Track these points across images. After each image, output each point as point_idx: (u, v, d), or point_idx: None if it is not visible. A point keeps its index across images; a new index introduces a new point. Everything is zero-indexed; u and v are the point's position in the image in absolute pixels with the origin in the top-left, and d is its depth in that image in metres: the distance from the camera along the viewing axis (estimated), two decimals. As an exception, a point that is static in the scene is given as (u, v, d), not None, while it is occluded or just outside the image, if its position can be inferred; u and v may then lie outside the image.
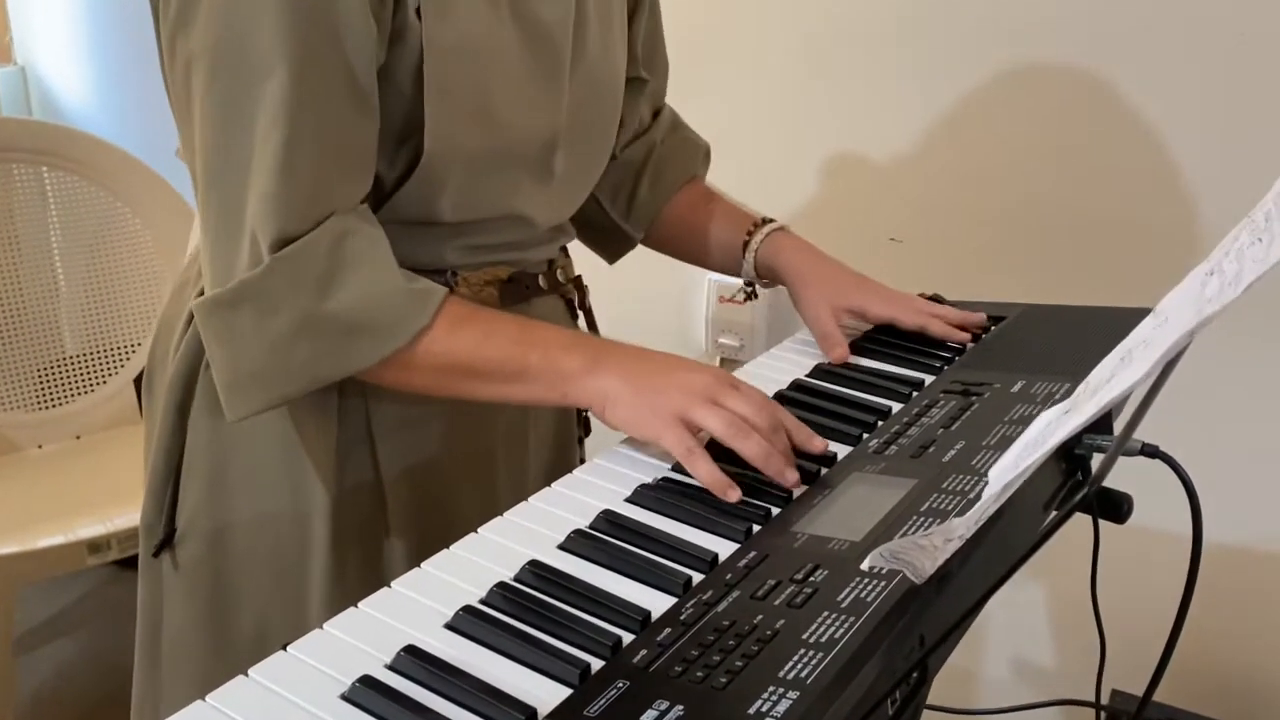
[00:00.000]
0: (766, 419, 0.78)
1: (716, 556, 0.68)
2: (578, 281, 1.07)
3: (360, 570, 0.93)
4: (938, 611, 0.63)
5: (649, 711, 0.53)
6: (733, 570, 0.66)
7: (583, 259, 1.13)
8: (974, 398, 0.87)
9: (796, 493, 0.75)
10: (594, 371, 0.80)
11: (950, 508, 0.70)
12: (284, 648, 0.60)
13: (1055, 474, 0.77)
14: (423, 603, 0.64)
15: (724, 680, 0.55)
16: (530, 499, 0.76)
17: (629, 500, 0.76)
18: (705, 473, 0.75)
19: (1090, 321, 1.01)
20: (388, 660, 0.59)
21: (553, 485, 0.78)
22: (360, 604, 0.64)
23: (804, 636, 0.58)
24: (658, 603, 0.63)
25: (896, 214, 1.55)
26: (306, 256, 0.78)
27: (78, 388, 1.96)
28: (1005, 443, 0.78)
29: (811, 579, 0.63)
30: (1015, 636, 1.58)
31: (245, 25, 0.75)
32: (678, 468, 0.78)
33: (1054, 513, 0.80)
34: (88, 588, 2.18)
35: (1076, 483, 0.81)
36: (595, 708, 0.54)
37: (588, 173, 1.00)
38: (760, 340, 1.71)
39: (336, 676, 0.57)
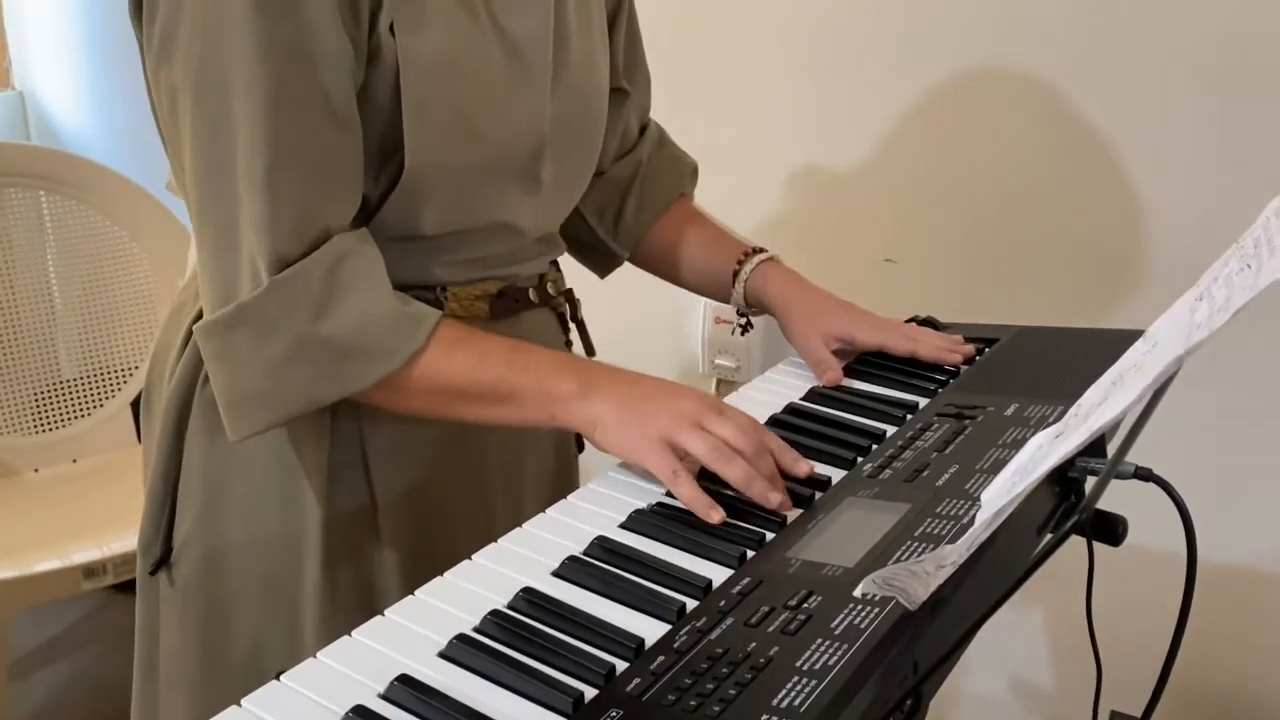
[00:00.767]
0: (751, 443, 0.79)
1: (710, 583, 0.68)
2: (569, 295, 1.07)
3: (353, 592, 0.93)
4: (932, 638, 0.63)
5: (642, 741, 0.53)
6: (726, 596, 0.66)
7: (579, 278, 1.13)
8: (967, 421, 0.88)
9: (790, 517, 0.75)
10: (584, 395, 0.81)
11: (944, 532, 0.70)
12: (277, 676, 0.60)
13: (1049, 497, 0.78)
14: (416, 631, 0.64)
15: (717, 709, 0.55)
16: (524, 525, 0.76)
17: (623, 526, 0.76)
18: (688, 494, 0.76)
19: (1083, 344, 1.02)
20: (381, 690, 0.59)
21: (547, 511, 0.78)
22: (354, 632, 0.64)
23: (798, 664, 0.58)
24: (651, 630, 0.63)
25: (891, 235, 1.56)
26: (304, 279, 0.79)
27: (74, 411, 1.96)
28: (999, 466, 0.78)
29: (805, 605, 0.63)
30: (1011, 659, 1.58)
31: (222, 55, 0.76)
32: (671, 492, 0.79)
33: (1049, 536, 0.80)
34: (83, 612, 2.17)
35: (1070, 505, 0.81)
36: (588, 737, 0.54)
37: (576, 181, 1.01)
38: (757, 362, 1.71)
39: (330, 706, 0.57)
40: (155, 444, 0.95)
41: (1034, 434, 0.82)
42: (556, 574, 0.70)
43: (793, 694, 0.55)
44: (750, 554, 0.71)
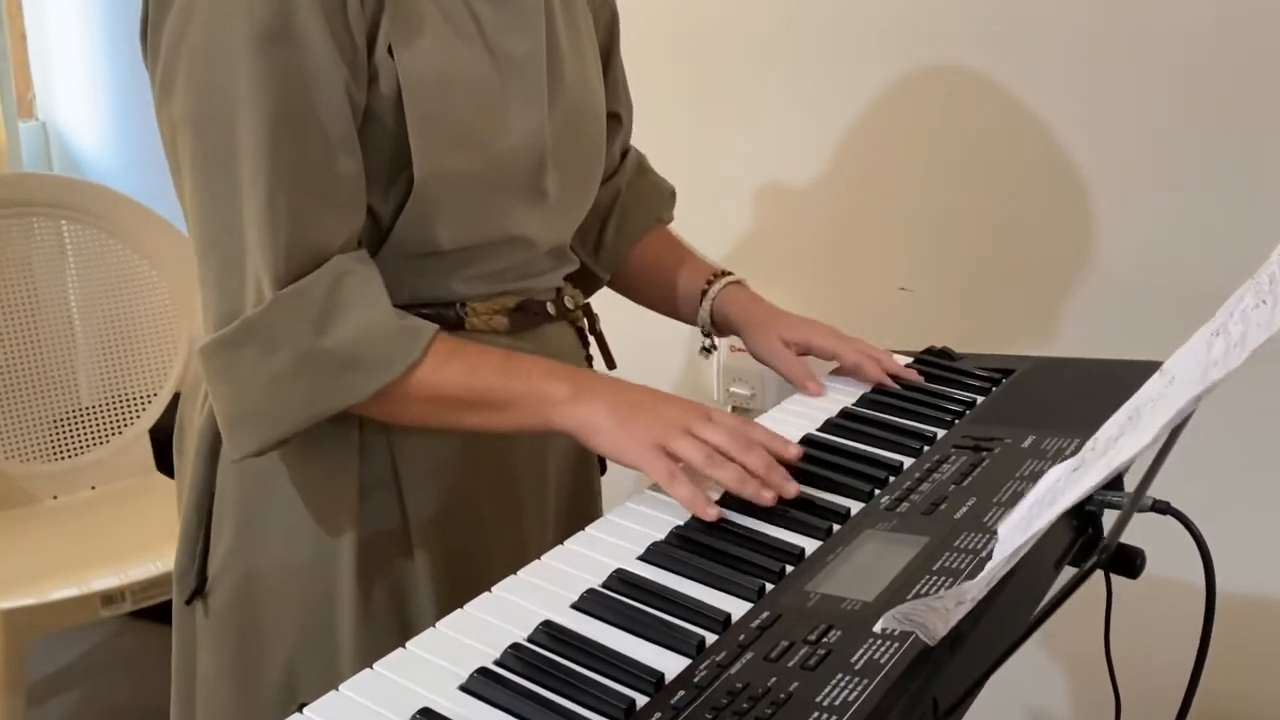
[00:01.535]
0: (741, 445, 0.82)
1: (730, 616, 0.68)
2: (587, 309, 1.09)
3: (387, 615, 0.94)
4: (951, 673, 0.63)
5: (663, 776, 0.53)
6: (746, 631, 0.66)
7: (595, 302, 1.14)
8: (985, 453, 0.88)
9: (809, 549, 0.76)
10: (577, 399, 0.84)
11: (963, 566, 0.70)
12: (300, 708, 0.61)
13: (1066, 530, 0.78)
14: (437, 664, 0.64)
15: (738, 744, 0.55)
16: (543, 557, 0.76)
17: (641, 558, 0.76)
18: (686, 494, 0.79)
19: (1099, 375, 1.02)
20: (403, 723, 0.59)
21: (565, 543, 0.78)
22: (376, 665, 0.64)
23: (818, 699, 0.58)
24: (671, 664, 0.64)
25: (906, 263, 1.56)
26: (306, 296, 0.82)
27: (93, 438, 1.97)
28: (1016, 499, 0.79)
29: (825, 640, 0.63)
30: (1029, 691, 1.57)
31: (221, 85, 0.80)
32: (690, 523, 0.79)
33: (1067, 567, 0.80)
34: (100, 638, 2.18)
35: (1088, 539, 0.81)
36: (610, 772, 0.54)
37: (582, 193, 1.04)
38: (771, 389, 1.71)
39: (352, 740, 0.58)
40: (188, 475, 0.96)
41: (1051, 467, 0.82)
42: (576, 607, 0.70)
43: (813, 730, 0.55)
44: (769, 587, 0.71)
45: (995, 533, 0.74)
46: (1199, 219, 1.35)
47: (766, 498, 0.80)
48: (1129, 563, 0.81)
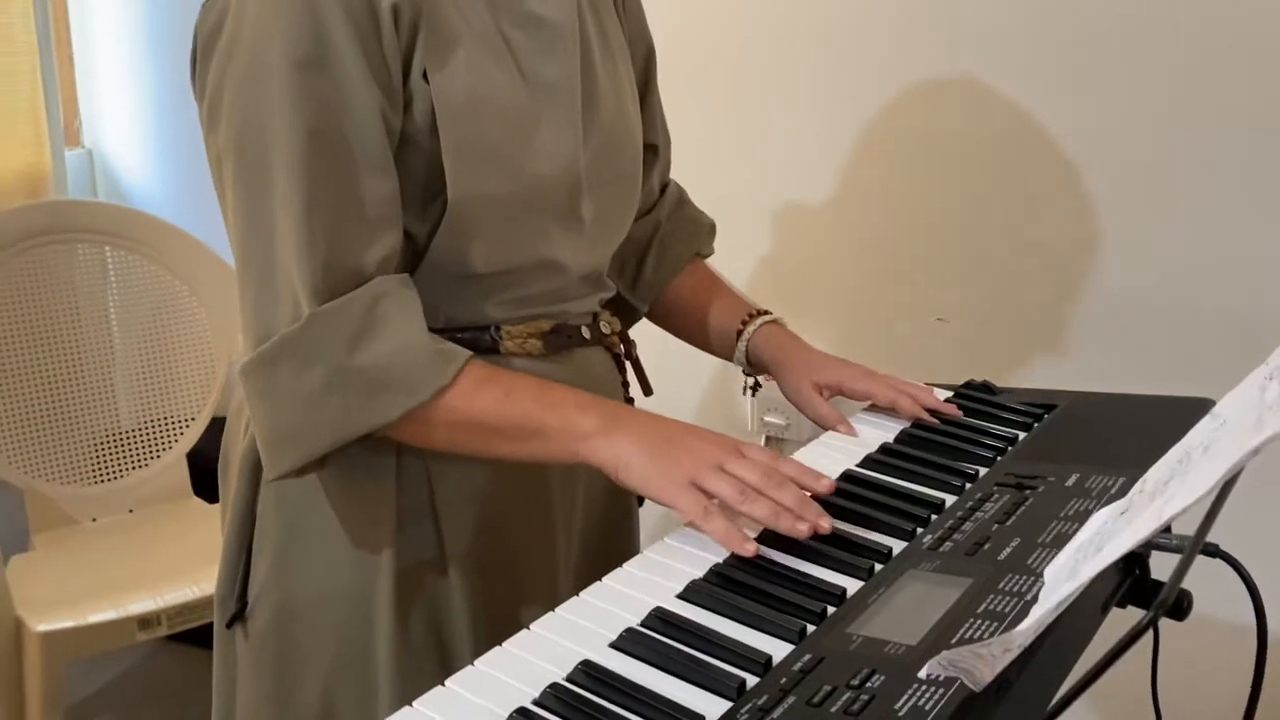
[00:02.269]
0: (774, 480, 0.82)
1: (770, 658, 0.67)
2: (624, 335, 1.09)
3: (424, 641, 0.94)
4: (997, 720, 0.62)
5: (705, 824, 0.52)
6: (787, 674, 0.65)
7: (631, 330, 1.13)
8: (1028, 491, 0.87)
9: (850, 589, 0.75)
10: (608, 433, 0.84)
11: (1007, 609, 0.69)
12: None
13: (1113, 573, 0.76)
14: (476, 702, 0.64)
15: (781, 792, 0.54)
16: (582, 593, 0.76)
17: (680, 596, 0.75)
18: (720, 529, 0.79)
19: (1144, 411, 1.00)
20: (442, 764, 0.59)
21: (604, 580, 0.78)
22: (415, 703, 0.64)
23: (861, 746, 0.57)
24: (711, 707, 0.63)
25: (943, 293, 1.56)
26: (343, 314, 0.83)
27: (132, 462, 2.00)
28: (1061, 540, 0.77)
29: (868, 685, 0.62)
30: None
31: (260, 115, 0.83)
32: (729, 561, 0.78)
33: (1112, 611, 0.79)
34: (135, 661, 2.19)
35: (1135, 580, 0.80)
36: (651, 819, 0.54)
37: (618, 221, 1.04)
38: (806, 419, 1.70)
39: (391, 780, 0.58)
40: (230, 499, 0.98)
41: (1096, 506, 0.81)
42: (614, 646, 0.70)
43: (857, 778, 0.55)
44: (810, 628, 0.71)
45: (1040, 575, 0.73)
46: (1243, 246, 1.33)
47: (802, 530, 0.79)
48: (1177, 605, 0.79)
